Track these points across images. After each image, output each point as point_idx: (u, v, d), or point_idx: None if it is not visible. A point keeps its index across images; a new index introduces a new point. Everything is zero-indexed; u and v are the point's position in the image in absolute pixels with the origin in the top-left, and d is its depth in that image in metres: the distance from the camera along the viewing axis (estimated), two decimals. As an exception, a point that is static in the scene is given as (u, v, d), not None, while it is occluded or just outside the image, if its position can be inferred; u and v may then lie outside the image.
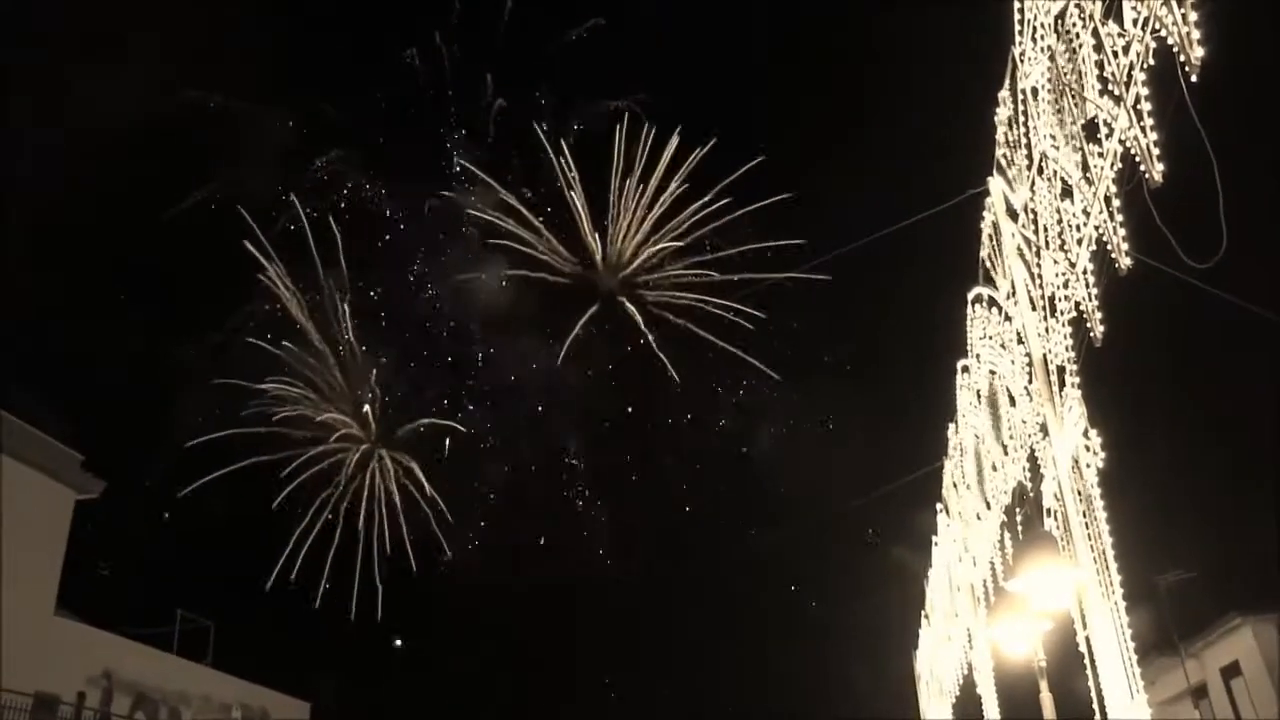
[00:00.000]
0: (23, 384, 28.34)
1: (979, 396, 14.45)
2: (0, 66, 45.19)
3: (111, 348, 47.87)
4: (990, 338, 12.84)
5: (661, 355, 57.22)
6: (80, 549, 27.66)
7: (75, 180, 45.40)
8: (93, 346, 46.97)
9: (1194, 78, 6.18)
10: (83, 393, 42.38)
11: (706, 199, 57.24)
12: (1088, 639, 9.07)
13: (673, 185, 57.14)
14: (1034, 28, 9.31)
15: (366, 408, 55.99)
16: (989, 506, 15.29)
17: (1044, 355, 10.20)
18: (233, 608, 44.89)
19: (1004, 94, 10.79)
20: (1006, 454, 13.12)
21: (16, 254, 43.81)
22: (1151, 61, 6.63)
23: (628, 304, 57.94)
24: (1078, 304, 8.84)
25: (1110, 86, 7.22)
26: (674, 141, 56.19)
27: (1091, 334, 8.58)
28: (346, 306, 55.45)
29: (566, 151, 57.09)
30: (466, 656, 53.98)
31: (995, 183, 11.65)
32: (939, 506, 21.38)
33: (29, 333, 44.99)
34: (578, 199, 57.48)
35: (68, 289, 49.03)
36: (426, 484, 56.13)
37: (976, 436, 15.34)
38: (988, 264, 12.32)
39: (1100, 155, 7.68)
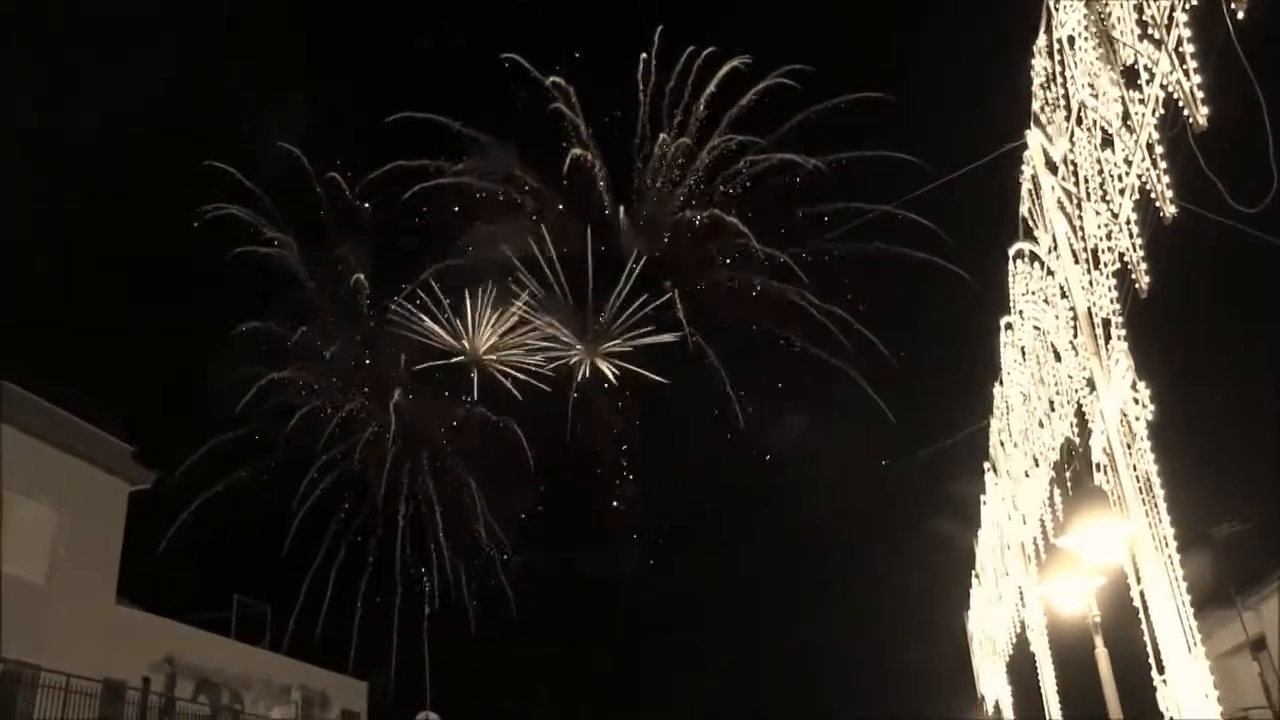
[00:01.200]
0: (76, 378, 28.72)
1: (1024, 353, 14.32)
2: (63, 66, 45.85)
3: (149, 340, 48.39)
4: (1033, 293, 12.69)
5: (691, 329, 56.58)
6: (135, 538, 28.16)
7: (99, 177, 45.85)
8: (131, 339, 47.56)
9: (1240, 14, 6.02)
10: (126, 386, 42.88)
11: (738, 166, 56.75)
12: (1142, 593, 9.00)
13: (708, 148, 56.57)
14: (1068, -26, 9.14)
15: (396, 395, 56.08)
16: (1037, 463, 15.18)
17: (1089, 308, 10.07)
18: (282, 592, 45.60)
19: (1039, 44, 10.61)
20: (1053, 410, 12.99)
21: (49, 255, 44.43)
22: (1194, 0, 6.47)
23: (668, 285, 57.17)
24: (1122, 255, 8.71)
25: (1150, 30, 7.07)
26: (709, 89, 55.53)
27: (1137, 285, 8.46)
28: (365, 281, 55.21)
29: (582, 121, 56.53)
30: (517, 641, 54.28)
31: (1033, 135, 11.48)
32: (986, 465, 21.27)
33: (70, 328, 45.67)
34: (598, 166, 56.83)
35: (99, 284, 49.71)
36: (473, 484, 56.35)
37: (1022, 394, 15.21)
38: (1028, 218, 12.16)
39: (1141, 102, 7.53)
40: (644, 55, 56.38)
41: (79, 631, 23.19)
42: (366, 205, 56.10)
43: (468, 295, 55.91)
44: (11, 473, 22.20)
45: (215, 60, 52.19)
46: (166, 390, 49.84)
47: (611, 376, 57.19)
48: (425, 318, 55.92)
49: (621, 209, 57.88)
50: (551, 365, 57.08)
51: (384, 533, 55.15)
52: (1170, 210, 7.44)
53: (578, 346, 57.43)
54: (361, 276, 55.22)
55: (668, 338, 56.25)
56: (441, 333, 56.17)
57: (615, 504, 58.89)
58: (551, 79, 56.29)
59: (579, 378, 57.27)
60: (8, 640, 19.98)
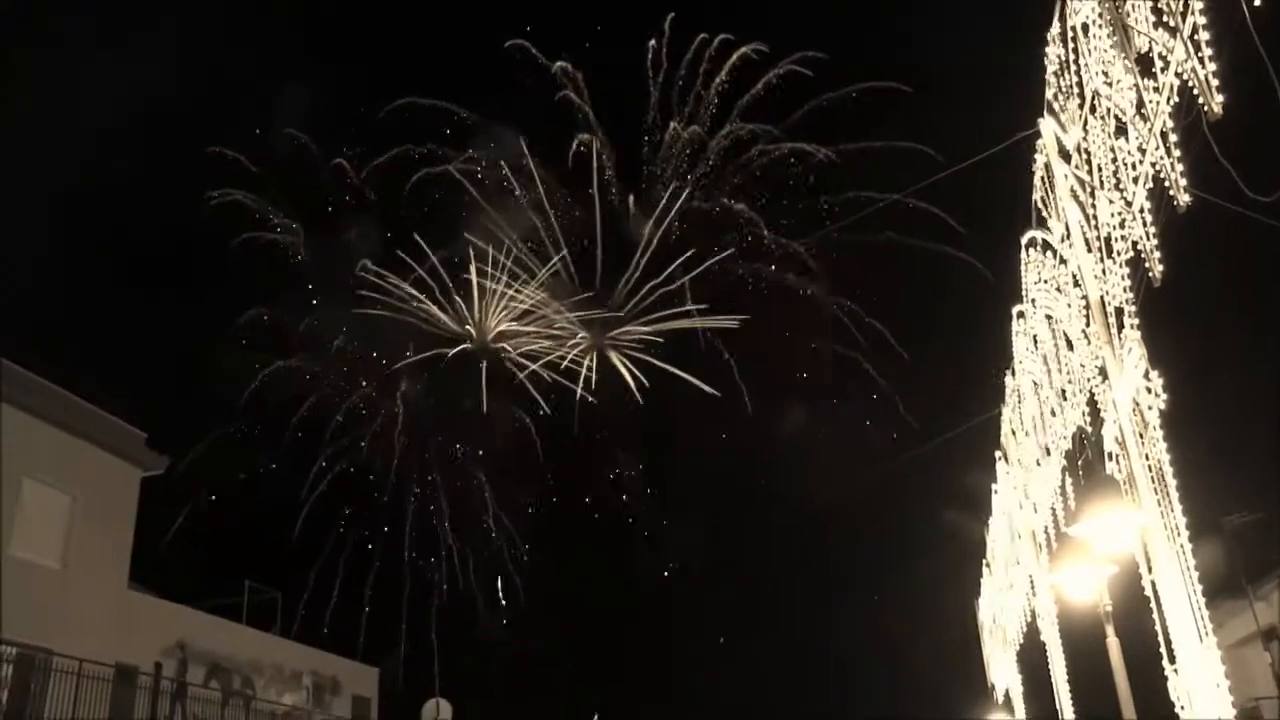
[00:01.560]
0: (85, 365, 28.85)
1: (1036, 342, 14.29)
2: (67, 55, 45.92)
3: (157, 328, 48.45)
4: (1046, 282, 12.66)
5: (701, 318, 56.23)
6: (147, 524, 28.27)
7: (103, 165, 45.89)
8: (140, 328, 47.63)
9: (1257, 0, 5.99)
10: (135, 373, 43.02)
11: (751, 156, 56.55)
12: (1153, 583, 8.99)
13: (723, 132, 56.34)
14: (1082, -39, 9.09)
15: (404, 384, 56.03)
16: (1048, 452, 15.15)
17: (1101, 297, 10.04)
18: (293, 579, 45.78)
19: (1053, 32, 10.56)
20: (1065, 399, 12.97)
21: (67, 238, 44.56)
22: (1210, -13, 6.44)
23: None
24: (1135, 244, 8.69)
25: (1165, 17, 7.03)
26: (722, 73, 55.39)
27: (1150, 274, 8.43)
28: (372, 267, 54.96)
29: (590, 108, 56.33)
30: (526, 631, 54.39)
31: (1046, 124, 11.44)
32: (998, 454, 21.24)
33: (84, 312, 45.84)
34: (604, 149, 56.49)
35: (105, 274, 49.84)
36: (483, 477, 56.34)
37: (1034, 382, 15.19)
38: (1041, 207, 12.13)
39: (1155, 90, 7.49)
40: (652, 42, 56.22)
41: (91, 616, 23.32)
42: (374, 197, 56.06)
43: (474, 283, 55.86)
44: (26, 458, 22.32)
45: (219, 48, 52.31)
46: (175, 377, 49.98)
47: (620, 366, 57.13)
48: (432, 305, 55.96)
49: (631, 198, 57.72)
50: (559, 354, 57.03)
51: (392, 522, 55.31)
52: (1184, 199, 7.40)
53: (582, 334, 57.35)
54: (368, 263, 55.09)
55: (682, 324, 55.99)
56: (449, 321, 56.23)
57: (624, 497, 58.85)
58: (558, 64, 56.17)
59: (586, 367, 57.20)
60: (22, 624, 20.12)
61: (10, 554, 21.50)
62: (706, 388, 55.27)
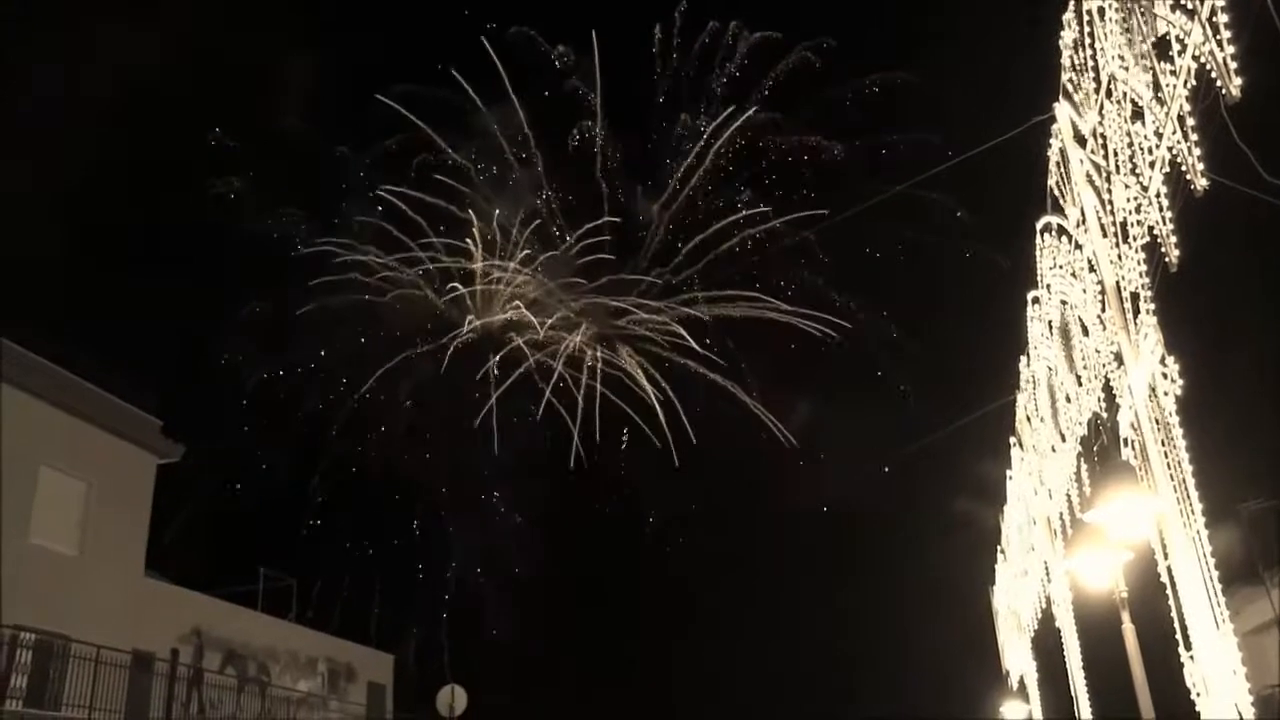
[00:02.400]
0: (100, 352, 28.89)
1: (1050, 327, 14.23)
2: (70, 41, 45.85)
3: (168, 316, 48.47)
4: (1061, 267, 12.61)
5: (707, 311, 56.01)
6: (162, 512, 28.42)
7: (105, 153, 45.91)
8: (150, 315, 47.65)
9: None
10: (148, 361, 43.08)
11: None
12: (1169, 569, 8.95)
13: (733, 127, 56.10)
14: (1099, -56, 9.02)
15: (412, 376, 56.02)
16: (1064, 438, 15.11)
17: (1117, 282, 9.99)
18: (308, 566, 45.97)
19: (1069, 15, 10.49)
20: (1080, 385, 12.92)
21: (67, 229, 44.63)
22: (1228, -32, 6.38)
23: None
24: (1151, 228, 8.63)
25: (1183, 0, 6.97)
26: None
27: (1166, 259, 8.38)
28: (377, 254, 54.81)
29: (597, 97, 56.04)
30: (536, 622, 54.49)
31: (1062, 108, 11.37)
32: (1012, 440, 21.19)
33: (88, 303, 45.91)
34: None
35: (118, 258, 49.89)
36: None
37: (1049, 368, 15.14)
38: (1056, 192, 12.07)
39: (1172, 73, 7.43)
40: (657, 30, 55.93)
41: (108, 603, 23.47)
42: (376, 185, 56.00)
43: (478, 271, 55.79)
44: (43, 445, 22.49)
45: (220, 33, 52.12)
46: (181, 368, 50.02)
47: (627, 358, 57.01)
48: (434, 294, 55.95)
49: (639, 189, 57.48)
50: (565, 344, 56.89)
51: (402, 513, 55.47)
52: (1201, 183, 7.34)
53: (585, 324, 57.21)
54: (374, 248, 54.97)
55: (698, 310, 55.72)
56: (453, 309, 56.20)
57: (630, 491, 58.74)
58: (560, 47, 55.91)
59: (591, 357, 57.04)
60: (40, 611, 20.30)
61: (28, 541, 21.66)
62: (757, 406, 55.00)
